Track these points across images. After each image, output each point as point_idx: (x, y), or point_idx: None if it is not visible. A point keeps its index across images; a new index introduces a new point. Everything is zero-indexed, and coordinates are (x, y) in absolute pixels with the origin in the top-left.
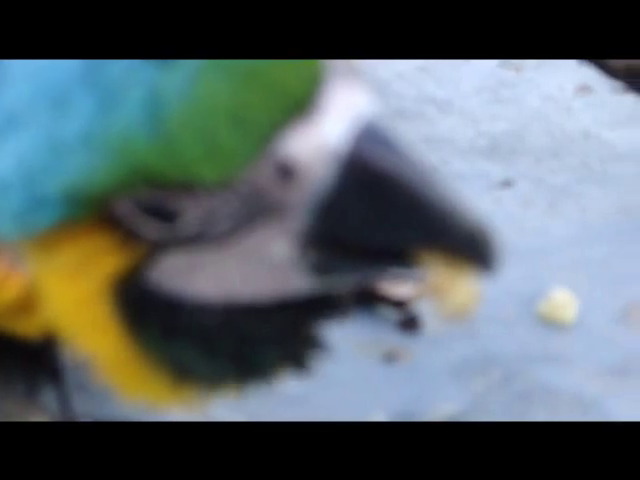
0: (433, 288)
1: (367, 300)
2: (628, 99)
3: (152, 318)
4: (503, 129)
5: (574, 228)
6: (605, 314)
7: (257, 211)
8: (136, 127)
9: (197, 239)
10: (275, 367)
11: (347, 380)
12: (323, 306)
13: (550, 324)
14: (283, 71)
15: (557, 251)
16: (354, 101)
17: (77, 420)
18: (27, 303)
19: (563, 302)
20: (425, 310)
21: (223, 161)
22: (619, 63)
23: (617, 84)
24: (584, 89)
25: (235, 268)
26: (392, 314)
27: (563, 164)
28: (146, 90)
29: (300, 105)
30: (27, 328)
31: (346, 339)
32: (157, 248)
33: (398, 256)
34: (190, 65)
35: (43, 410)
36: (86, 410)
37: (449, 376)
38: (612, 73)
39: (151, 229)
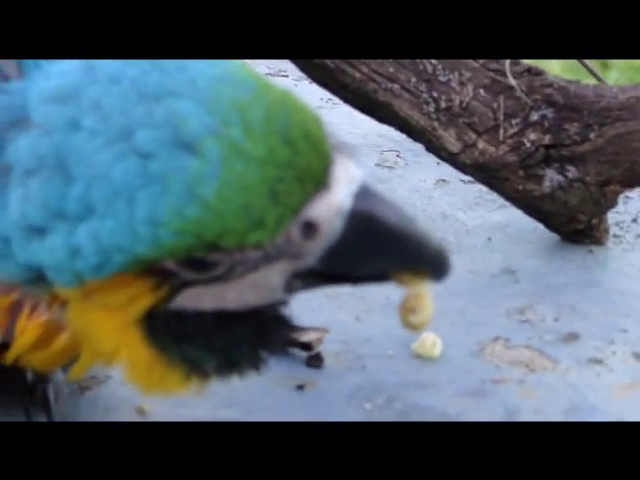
0: (407, 305)
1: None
2: (475, 187)
3: (169, 330)
4: None
5: (437, 286)
6: (463, 350)
7: (277, 259)
8: (185, 208)
9: (219, 279)
10: (243, 364)
11: (266, 406)
12: (281, 316)
13: (421, 359)
14: (309, 154)
15: None
16: (350, 168)
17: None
18: (43, 341)
19: (431, 342)
20: (325, 350)
21: (263, 230)
22: (468, 160)
23: (467, 177)
24: (442, 181)
25: (234, 292)
26: (301, 353)
27: None
28: (186, 176)
29: (322, 178)
30: (39, 361)
31: (264, 374)
32: (183, 286)
33: (381, 279)
34: (215, 153)
35: None
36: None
37: (345, 400)
38: (462, 168)
39: (188, 276)
